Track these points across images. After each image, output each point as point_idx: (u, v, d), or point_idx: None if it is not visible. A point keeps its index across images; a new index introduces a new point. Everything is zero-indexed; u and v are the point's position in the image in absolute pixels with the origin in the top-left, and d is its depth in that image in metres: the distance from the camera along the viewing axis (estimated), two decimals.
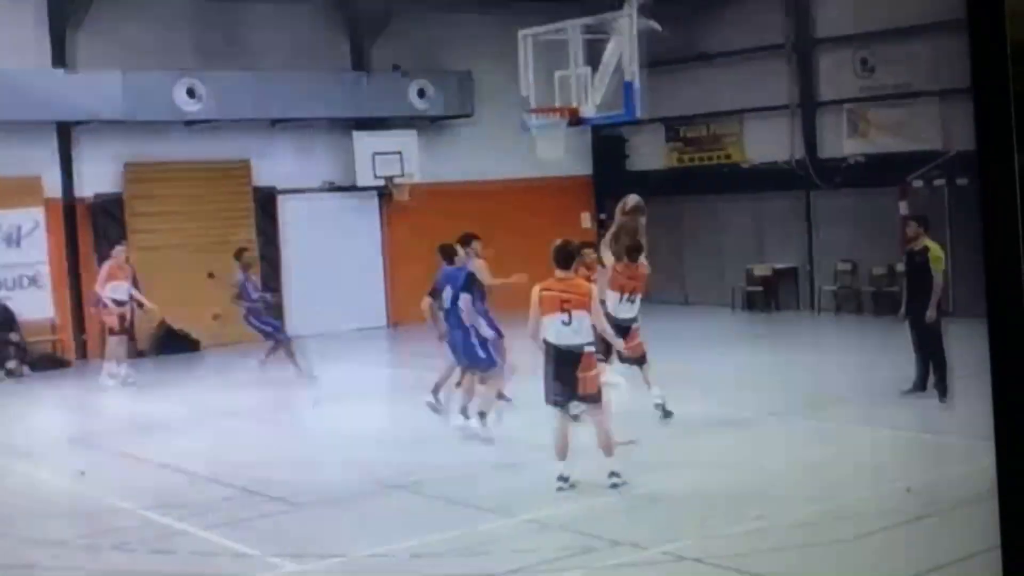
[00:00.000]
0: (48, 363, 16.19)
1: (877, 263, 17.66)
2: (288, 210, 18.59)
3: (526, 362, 11.34)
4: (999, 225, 2.86)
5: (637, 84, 13.72)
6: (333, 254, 18.51)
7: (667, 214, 20.44)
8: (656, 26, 13.70)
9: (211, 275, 17.79)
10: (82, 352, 16.77)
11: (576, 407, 8.25)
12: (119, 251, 14.60)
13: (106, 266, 14.58)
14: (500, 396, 10.85)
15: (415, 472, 9.03)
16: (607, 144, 21.26)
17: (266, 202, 18.46)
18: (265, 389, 13.94)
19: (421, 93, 19.10)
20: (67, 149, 16.83)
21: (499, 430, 10.11)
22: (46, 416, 13.53)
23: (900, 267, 13.28)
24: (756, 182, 19.11)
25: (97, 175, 16.98)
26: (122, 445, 11.06)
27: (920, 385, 10.85)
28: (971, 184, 14.73)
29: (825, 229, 18.51)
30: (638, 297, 10.62)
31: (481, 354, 10.35)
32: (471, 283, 10.52)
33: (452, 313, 10.53)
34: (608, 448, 8.17)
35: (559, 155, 14.28)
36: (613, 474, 8.12)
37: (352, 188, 18.93)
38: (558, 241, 8.41)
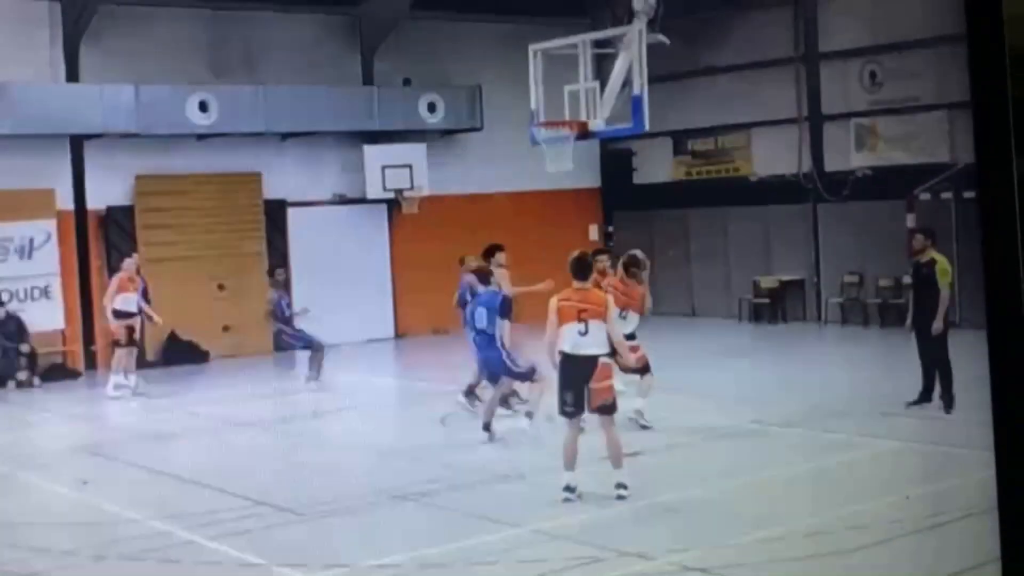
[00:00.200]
0: (58, 373, 16.31)
1: (884, 275, 17.67)
2: (298, 222, 18.69)
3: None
4: (998, 228, 2.90)
5: (645, 98, 13.80)
6: (342, 266, 18.62)
7: (674, 226, 20.55)
8: (664, 40, 13.79)
9: (221, 287, 17.92)
10: (91, 363, 16.87)
11: (583, 421, 8.29)
12: (129, 263, 14.71)
13: (116, 278, 14.68)
14: (506, 401, 10.94)
15: (421, 482, 9.06)
16: (615, 157, 21.35)
17: (276, 214, 18.57)
18: (272, 400, 14.01)
19: (431, 107, 19.22)
20: (80, 162, 16.98)
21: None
22: (55, 426, 13.61)
23: (906, 279, 13.31)
24: (763, 195, 19.16)
25: (109, 188, 17.12)
26: (130, 455, 11.12)
27: (926, 396, 10.85)
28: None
29: (832, 241, 18.53)
30: (629, 314, 10.62)
31: (517, 369, 10.41)
32: (508, 309, 10.54)
33: (486, 334, 10.51)
34: (617, 459, 8.21)
35: (568, 168, 14.36)
36: (620, 485, 8.14)
37: (362, 201, 19.04)
38: (575, 253, 8.51)
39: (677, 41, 14.16)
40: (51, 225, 16.58)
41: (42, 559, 7.49)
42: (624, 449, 8.40)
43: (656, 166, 21.02)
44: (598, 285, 9.02)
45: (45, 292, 16.51)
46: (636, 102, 13.86)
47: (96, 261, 17.03)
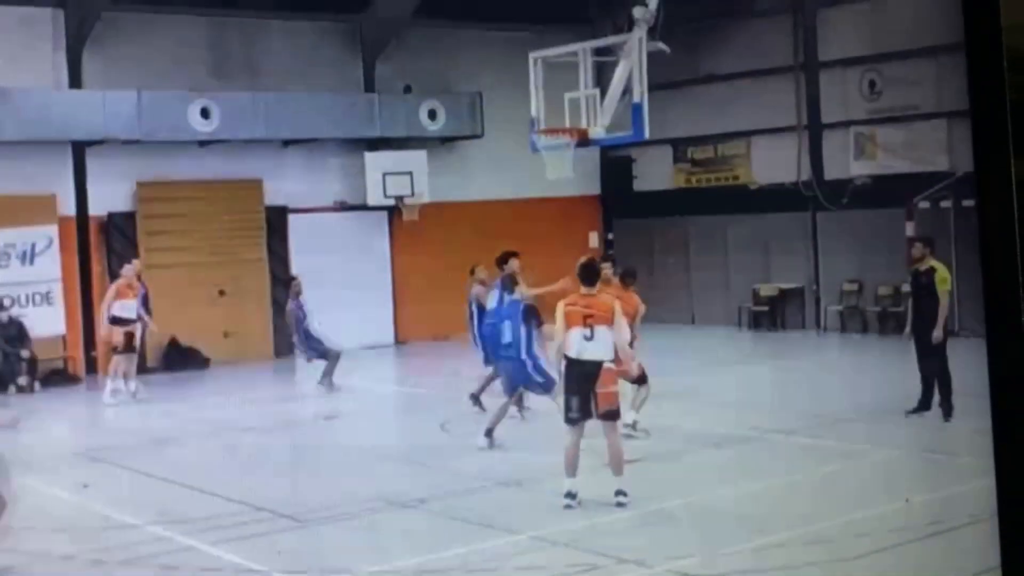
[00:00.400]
0: (59, 379, 16.33)
1: (883, 283, 17.69)
2: (299, 229, 18.72)
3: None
4: (997, 236, 2.91)
5: (645, 105, 13.84)
6: (343, 272, 18.64)
7: (674, 234, 20.58)
8: (665, 48, 13.83)
9: (222, 292, 17.94)
10: (92, 368, 16.88)
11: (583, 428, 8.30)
12: (128, 269, 14.74)
13: (113, 285, 14.70)
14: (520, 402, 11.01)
15: (421, 488, 9.07)
16: (615, 164, 21.39)
17: (277, 221, 18.60)
18: (273, 405, 14.02)
19: (432, 114, 19.27)
20: (82, 168, 17.02)
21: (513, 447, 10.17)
22: (56, 431, 13.61)
23: (906, 287, 13.33)
24: (763, 203, 19.19)
25: (110, 194, 17.15)
26: (130, 460, 11.13)
27: (925, 405, 10.86)
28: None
29: (831, 249, 18.55)
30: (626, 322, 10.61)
31: (539, 379, 10.41)
32: (533, 315, 10.56)
33: (511, 346, 10.49)
34: (618, 466, 8.21)
35: (568, 175, 14.39)
36: (620, 492, 8.15)
37: (362, 207, 19.07)
38: (583, 259, 8.59)
39: (677, 49, 14.20)
40: (53, 231, 16.60)
41: (42, 564, 7.50)
42: (624, 456, 8.41)
43: (656, 174, 21.06)
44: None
45: (46, 298, 16.53)
46: (636, 110, 13.90)
47: (97, 267, 17.05)
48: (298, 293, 14.64)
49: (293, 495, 9.09)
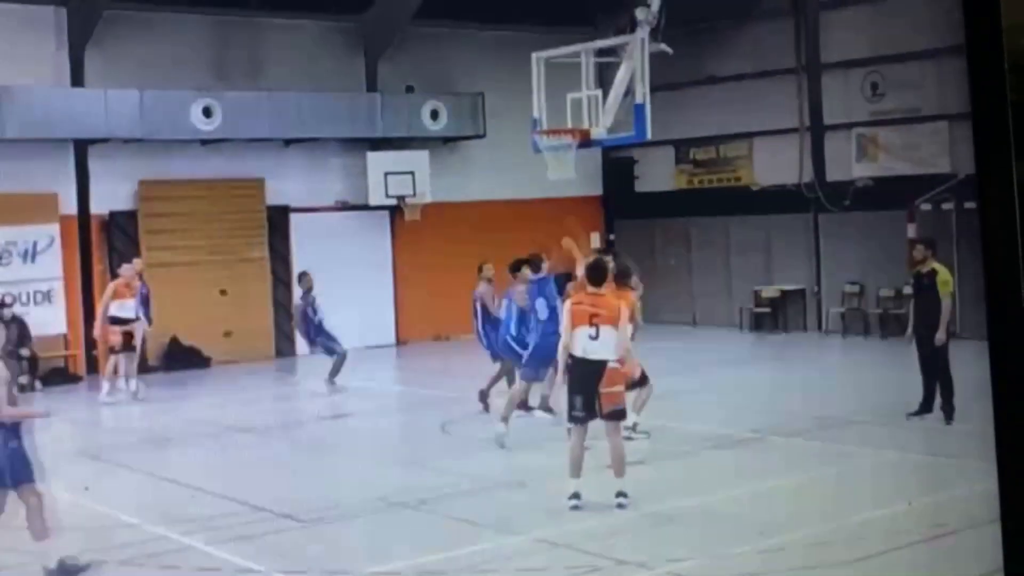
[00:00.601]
0: (59, 378, 16.32)
1: (884, 285, 17.68)
2: (301, 228, 18.72)
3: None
4: (999, 237, 2.90)
5: (647, 106, 13.83)
6: (344, 272, 18.64)
7: (676, 235, 20.57)
8: (667, 49, 13.82)
9: (223, 292, 17.94)
10: (93, 367, 16.88)
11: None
12: (127, 269, 14.73)
13: (112, 284, 14.69)
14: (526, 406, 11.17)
15: (422, 489, 9.06)
16: (617, 165, 21.39)
17: (279, 220, 18.61)
18: (273, 405, 14.02)
19: (434, 114, 19.27)
20: (84, 167, 17.01)
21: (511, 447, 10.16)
22: (56, 430, 13.58)
23: (907, 289, 13.32)
24: (765, 204, 19.18)
25: (112, 192, 17.15)
26: (130, 460, 11.13)
27: (926, 407, 10.85)
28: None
29: (833, 251, 18.54)
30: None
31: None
32: (562, 285, 10.57)
33: (550, 322, 10.50)
34: (620, 468, 8.20)
35: (570, 176, 14.39)
36: (620, 494, 8.14)
37: (364, 207, 19.07)
38: (591, 259, 8.67)
39: (679, 50, 14.19)
40: (54, 229, 16.61)
41: (42, 563, 7.48)
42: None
43: (658, 175, 21.06)
44: None
45: (48, 296, 16.53)
46: (638, 110, 13.90)
47: (99, 266, 17.04)
48: (309, 288, 14.61)
49: (293, 495, 9.09)
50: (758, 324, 19.30)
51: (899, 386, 11.55)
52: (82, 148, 16.98)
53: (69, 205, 16.86)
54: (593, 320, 8.08)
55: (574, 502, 8.12)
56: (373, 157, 18.89)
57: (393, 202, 18.97)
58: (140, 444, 12.00)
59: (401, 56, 19.35)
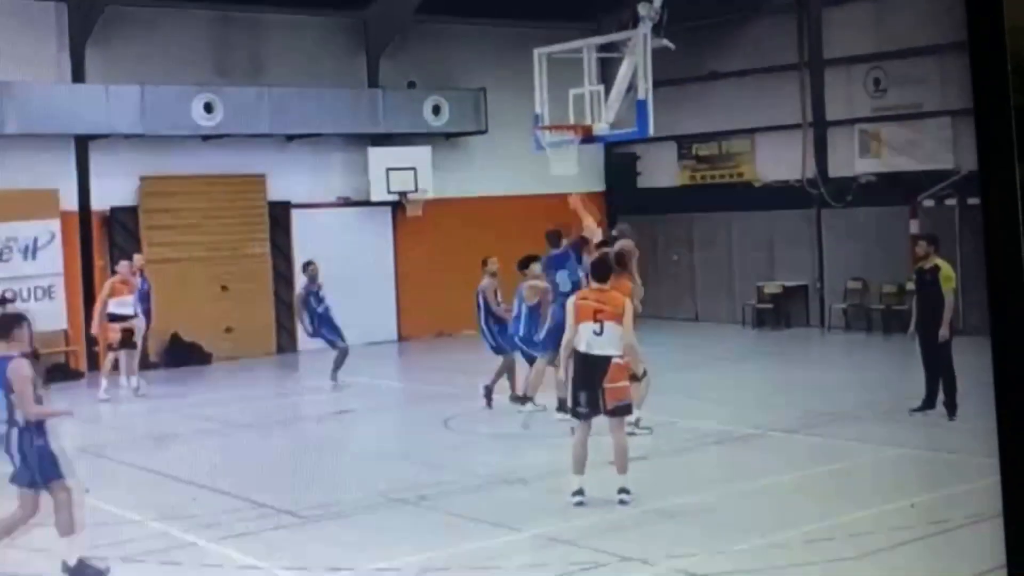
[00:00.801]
0: (60, 374, 16.30)
1: (887, 281, 17.66)
2: (302, 224, 18.71)
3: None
4: (1001, 234, 2.89)
5: (650, 102, 13.81)
6: (346, 268, 18.62)
7: (678, 231, 20.55)
8: (669, 45, 13.81)
9: (224, 288, 17.94)
10: (94, 364, 16.88)
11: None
12: (124, 266, 14.71)
13: (108, 282, 14.68)
14: (524, 398, 11.28)
15: (424, 486, 9.06)
16: (619, 161, 21.37)
17: (281, 216, 18.60)
18: (274, 402, 14.01)
19: (436, 110, 19.25)
20: (84, 163, 17.01)
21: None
22: (56, 427, 13.59)
23: (910, 286, 13.29)
24: (767, 200, 19.16)
25: (113, 188, 17.15)
26: (132, 456, 11.13)
27: (929, 403, 10.83)
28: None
29: (836, 247, 18.52)
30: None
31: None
32: (580, 250, 10.64)
33: (577, 285, 10.58)
34: (622, 465, 8.19)
35: (572, 172, 14.38)
36: (623, 490, 8.13)
37: (366, 203, 19.06)
38: (596, 255, 8.69)
39: (682, 46, 14.19)
40: (55, 225, 16.60)
41: (42, 560, 7.48)
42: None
43: (660, 170, 21.03)
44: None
45: (48, 292, 16.53)
46: (641, 106, 13.89)
47: (100, 262, 17.03)
48: (313, 278, 14.58)
49: (295, 491, 9.08)
50: (760, 320, 19.28)
51: (902, 382, 11.55)
52: (83, 144, 16.97)
53: (70, 201, 16.86)
54: (597, 316, 8.07)
55: (578, 498, 8.12)
56: (375, 153, 18.88)
57: (395, 198, 18.96)
58: (141, 440, 12.01)
59: (403, 52, 19.32)
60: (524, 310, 11.86)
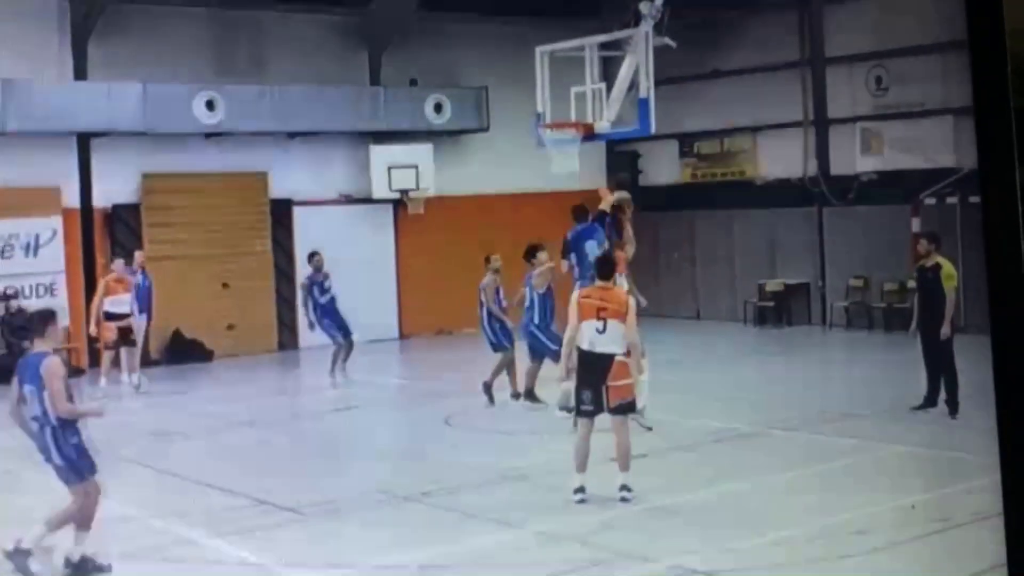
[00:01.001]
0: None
1: (889, 279, 17.65)
2: (304, 222, 18.72)
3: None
4: (1002, 233, 2.89)
5: (652, 100, 13.80)
6: (347, 266, 18.62)
7: (680, 229, 20.54)
8: (671, 43, 13.79)
9: (225, 285, 17.95)
10: (95, 361, 16.89)
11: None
12: (119, 264, 14.70)
13: (103, 281, 14.66)
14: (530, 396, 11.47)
15: (425, 483, 9.06)
16: (621, 159, 21.35)
17: (282, 214, 18.60)
18: (275, 398, 14.01)
19: (437, 107, 19.24)
20: (86, 160, 17.01)
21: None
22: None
23: (912, 284, 13.29)
24: (769, 198, 19.16)
25: (115, 185, 17.16)
26: (132, 453, 11.13)
27: (931, 401, 10.84)
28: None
29: (837, 245, 18.52)
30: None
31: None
32: (604, 224, 10.79)
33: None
34: (625, 462, 8.19)
35: (574, 170, 14.36)
36: (624, 487, 8.14)
37: (367, 201, 19.06)
38: (600, 252, 8.75)
39: (683, 44, 14.16)
40: (57, 223, 16.62)
41: (45, 556, 7.48)
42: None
43: (662, 168, 21.02)
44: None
45: (50, 289, 16.55)
46: (642, 104, 13.87)
47: (101, 259, 17.03)
48: (318, 268, 14.55)
49: (295, 488, 9.09)
50: (762, 318, 19.27)
51: (903, 380, 11.55)
52: (85, 141, 16.97)
53: (72, 198, 16.87)
54: (600, 314, 8.08)
55: (579, 496, 8.13)
56: (376, 150, 18.88)
57: (396, 196, 18.96)
58: (142, 437, 12.00)
59: (404, 49, 19.31)
60: (536, 297, 11.92)
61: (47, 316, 7.35)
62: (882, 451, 9.77)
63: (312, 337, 16.77)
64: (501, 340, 12.27)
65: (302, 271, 18.47)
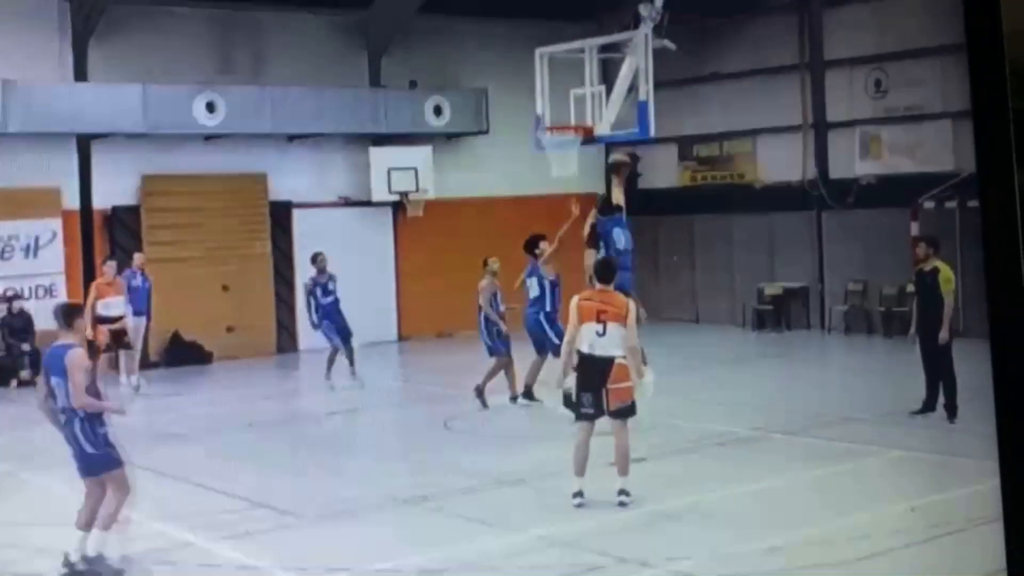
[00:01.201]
0: None
1: (888, 283, 17.65)
2: (303, 224, 18.72)
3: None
4: (1001, 237, 2.89)
5: (651, 103, 13.80)
6: (346, 268, 18.60)
7: (679, 232, 20.54)
8: (671, 46, 13.79)
9: (225, 287, 17.94)
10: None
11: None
12: (109, 267, 14.65)
13: (93, 284, 14.57)
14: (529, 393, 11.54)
15: (423, 486, 9.06)
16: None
17: (282, 215, 18.60)
18: (274, 401, 14.00)
19: (437, 110, 19.25)
20: (86, 161, 17.01)
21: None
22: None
23: (911, 288, 13.29)
24: (768, 201, 19.16)
25: (115, 187, 17.16)
26: (131, 455, 11.07)
27: (930, 405, 10.83)
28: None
29: (836, 249, 18.52)
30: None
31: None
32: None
33: (629, 253, 10.87)
34: (624, 466, 8.19)
35: (573, 172, 14.36)
36: (623, 492, 8.13)
37: (367, 203, 19.06)
38: (600, 256, 8.80)
39: (683, 47, 14.16)
40: (56, 224, 16.62)
41: (43, 559, 7.49)
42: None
43: (661, 172, 21.01)
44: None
45: (50, 291, 16.54)
46: (642, 107, 13.87)
47: (101, 260, 17.03)
48: (322, 269, 14.50)
49: (294, 491, 9.09)
50: (761, 322, 19.27)
51: (902, 384, 11.55)
52: (85, 143, 16.98)
53: (72, 200, 16.87)
54: (600, 317, 8.08)
55: (578, 500, 8.12)
56: (376, 153, 18.88)
57: (396, 198, 18.96)
58: (140, 439, 11.95)
59: (404, 51, 19.32)
60: (547, 285, 11.95)
61: (74, 308, 7.38)
62: (881, 455, 9.77)
63: (311, 339, 16.79)
64: (497, 344, 12.28)
65: (301, 273, 18.50)
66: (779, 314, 19.09)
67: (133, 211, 17.42)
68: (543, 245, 12.02)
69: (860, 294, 18.30)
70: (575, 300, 8.35)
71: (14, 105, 15.86)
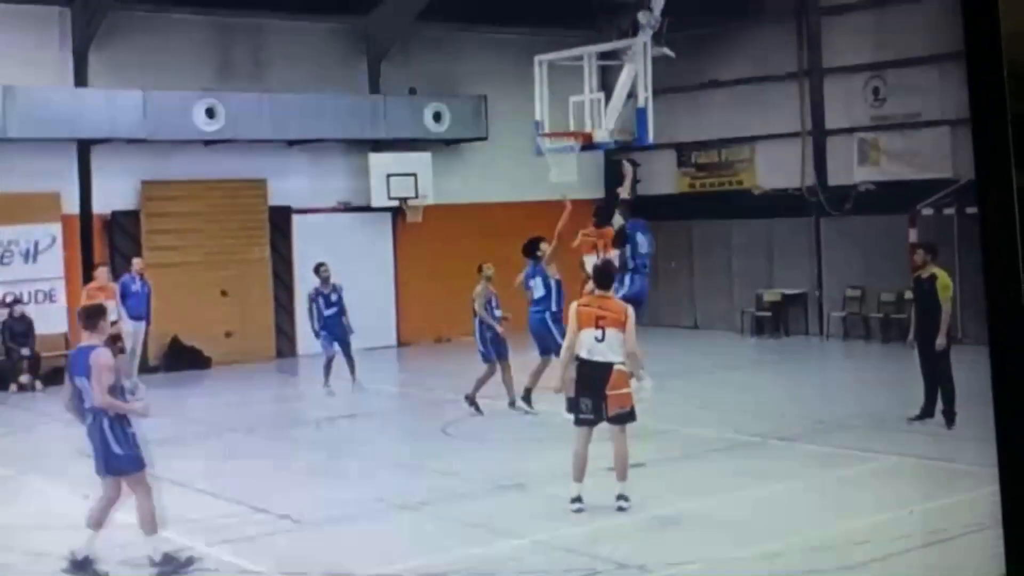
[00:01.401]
0: (60, 377, 16.21)
1: (886, 290, 17.68)
2: (303, 229, 18.73)
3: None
4: (999, 243, 2.91)
5: (650, 110, 13.85)
6: (346, 274, 18.61)
7: (678, 239, 20.56)
8: (669, 53, 13.85)
9: (224, 292, 17.95)
10: None
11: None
12: (101, 272, 14.65)
13: (84, 290, 14.59)
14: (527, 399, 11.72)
15: (422, 491, 9.07)
16: (619, 168, 21.36)
17: (281, 221, 18.62)
18: (273, 406, 13.99)
19: (436, 116, 19.29)
20: (86, 166, 17.04)
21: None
22: (56, 430, 13.60)
23: (909, 294, 13.32)
24: (767, 208, 19.18)
25: (115, 192, 17.18)
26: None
27: (928, 412, 10.85)
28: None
29: (834, 255, 18.55)
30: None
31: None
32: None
33: (646, 255, 11.23)
34: (622, 472, 8.20)
35: (572, 179, 14.41)
36: (621, 497, 8.14)
37: (366, 209, 19.09)
38: (599, 262, 8.88)
39: (682, 54, 14.22)
40: (56, 229, 16.63)
41: (41, 563, 7.50)
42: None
43: (660, 178, 21.04)
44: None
45: (49, 296, 16.55)
46: (640, 114, 13.92)
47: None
48: (325, 279, 14.48)
49: (293, 496, 9.09)
50: (759, 328, 19.30)
51: (900, 391, 11.56)
52: (85, 148, 17.00)
53: (71, 205, 16.89)
54: (599, 322, 8.10)
55: (576, 506, 8.12)
56: (375, 159, 18.91)
57: (395, 204, 18.99)
58: (139, 444, 11.98)
59: (404, 58, 19.37)
60: (553, 284, 11.96)
61: (98, 311, 7.39)
62: (879, 461, 9.78)
63: (310, 344, 16.78)
64: (489, 351, 12.29)
65: (301, 278, 18.54)
66: (777, 320, 19.12)
67: (133, 216, 17.43)
68: (543, 246, 12.04)
69: (858, 300, 18.33)
70: (574, 306, 8.37)
71: (15, 110, 15.89)
